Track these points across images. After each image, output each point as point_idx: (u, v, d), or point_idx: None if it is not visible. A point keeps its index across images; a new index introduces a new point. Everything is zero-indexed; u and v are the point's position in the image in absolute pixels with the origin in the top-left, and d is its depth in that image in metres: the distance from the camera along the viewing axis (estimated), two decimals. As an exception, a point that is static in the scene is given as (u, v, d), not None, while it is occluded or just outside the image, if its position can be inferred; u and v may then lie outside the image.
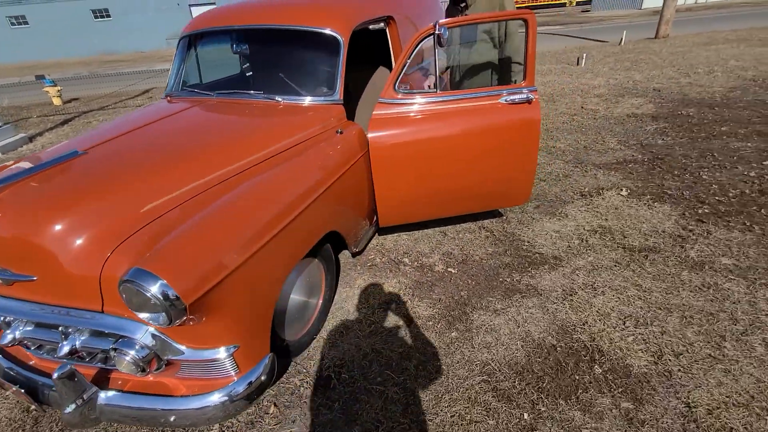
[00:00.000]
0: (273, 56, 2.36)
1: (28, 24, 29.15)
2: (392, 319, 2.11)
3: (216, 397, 1.39)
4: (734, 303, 2.01)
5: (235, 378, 1.44)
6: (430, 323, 2.06)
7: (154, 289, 1.13)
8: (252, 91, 2.27)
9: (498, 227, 2.84)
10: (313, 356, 1.92)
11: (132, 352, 1.32)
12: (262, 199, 1.54)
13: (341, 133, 2.09)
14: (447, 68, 2.85)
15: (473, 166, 2.34)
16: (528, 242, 2.65)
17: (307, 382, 1.78)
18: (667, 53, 8.73)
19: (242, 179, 1.62)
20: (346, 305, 2.23)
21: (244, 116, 2.09)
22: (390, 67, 2.79)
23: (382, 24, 2.72)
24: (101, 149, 1.70)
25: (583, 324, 1.97)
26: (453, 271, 2.45)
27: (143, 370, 1.36)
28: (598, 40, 12.99)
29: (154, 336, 1.32)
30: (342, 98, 2.22)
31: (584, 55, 8.60)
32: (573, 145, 4.19)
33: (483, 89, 2.27)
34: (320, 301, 2.08)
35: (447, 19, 2.08)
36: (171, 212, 1.44)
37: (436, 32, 2.03)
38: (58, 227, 1.31)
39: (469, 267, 2.47)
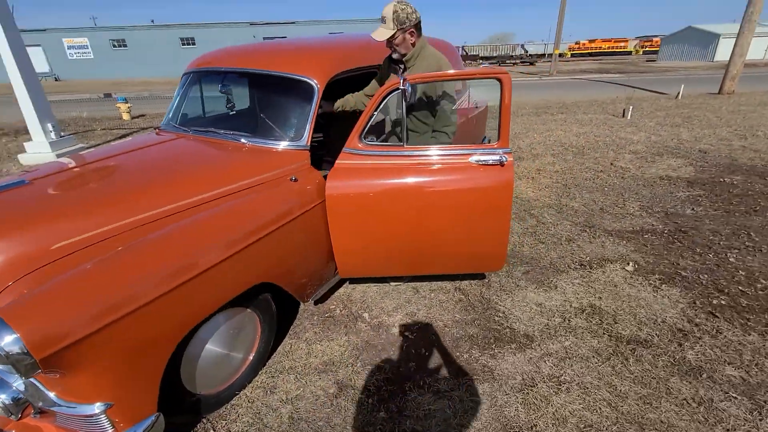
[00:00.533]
0: (251, 99, 2.40)
1: (126, 47, 33.42)
2: (324, 384, 1.94)
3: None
4: (727, 431, 1.64)
5: (113, 435, 1.35)
6: (363, 396, 1.87)
7: (5, 342, 1.08)
8: (222, 131, 2.29)
9: (475, 291, 2.61)
10: (227, 415, 1.79)
11: (2, 396, 1.28)
12: (174, 246, 1.49)
13: (295, 180, 2.03)
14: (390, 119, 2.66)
15: (439, 227, 2.18)
16: (503, 313, 2.40)
17: (209, 445, 1.66)
18: (726, 111, 8.05)
19: (166, 222, 1.59)
20: (284, 361, 2.09)
21: (201, 156, 2.10)
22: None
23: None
24: (47, 180, 1.76)
25: (531, 428, 1.68)
26: (410, 337, 2.25)
27: (15, 415, 1.31)
28: (655, 92, 12.36)
29: (25, 383, 1.28)
30: (308, 144, 2.18)
31: (631, 107, 8.15)
32: (588, 205, 3.86)
33: (454, 147, 2.13)
34: (251, 355, 1.96)
35: (413, 75, 2.00)
36: (78, 252, 1.42)
37: (401, 87, 1.95)
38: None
39: (428, 334, 2.26)
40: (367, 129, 2.13)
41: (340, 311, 2.48)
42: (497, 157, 2.07)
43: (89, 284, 1.26)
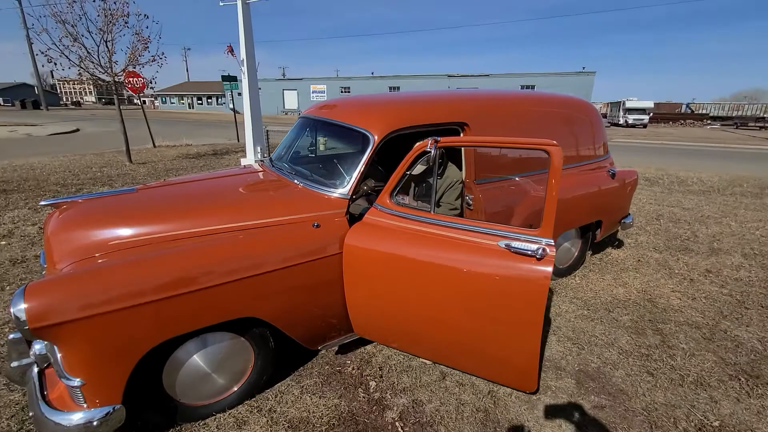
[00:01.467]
0: (321, 144, 2.59)
1: (349, 91, 41.34)
2: (285, 442, 1.84)
3: (63, 416, 1.60)
4: None
5: (83, 410, 1.61)
6: (307, 474, 1.69)
7: (16, 307, 1.45)
8: (290, 172, 2.53)
9: (510, 404, 2.05)
10: (196, 430, 1.89)
11: (37, 347, 1.71)
12: (176, 262, 1.71)
13: (318, 226, 2.07)
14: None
15: (453, 312, 1.84)
16: (529, 450, 1.80)
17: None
18: None
19: (182, 240, 1.86)
20: (270, 400, 2.09)
21: (255, 191, 2.37)
22: (459, 166, 2.58)
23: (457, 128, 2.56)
24: (147, 192, 2.30)
25: None
26: (400, 430, 1.93)
27: (40, 365, 1.73)
28: None
29: (46, 345, 1.67)
30: (350, 194, 2.20)
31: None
32: (766, 341, 2.57)
33: (485, 225, 1.79)
34: (239, 384, 2.03)
35: (444, 138, 1.79)
36: (121, 251, 1.80)
37: (428, 149, 1.78)
38: (59, 234, 1.87)
39: (420, 435, 1.89)
40: (398, 188, 2.02)
41: (352, 369, 2.33)
42: (534, 247, 1.63)
43: (93, 280, 1.57)
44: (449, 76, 36.18)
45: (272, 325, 2.00)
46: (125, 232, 1.89)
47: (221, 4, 8.04)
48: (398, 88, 38.70)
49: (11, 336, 1.85)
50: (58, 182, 6.82)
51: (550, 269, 1.58)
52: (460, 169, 2.59)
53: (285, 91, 44.76)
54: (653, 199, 6.41)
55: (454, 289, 1.79)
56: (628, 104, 33.23)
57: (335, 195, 2.20)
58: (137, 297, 1.58)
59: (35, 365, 1.81)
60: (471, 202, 2.55)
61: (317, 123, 2.78)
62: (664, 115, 46.06)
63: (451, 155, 2.65)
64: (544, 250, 1.60)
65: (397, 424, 1.96)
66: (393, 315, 2.03)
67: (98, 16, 7.91)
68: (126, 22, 8.17)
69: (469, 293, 1.77)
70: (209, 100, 54.00)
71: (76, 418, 1.59)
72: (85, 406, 1.62)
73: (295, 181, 2.39)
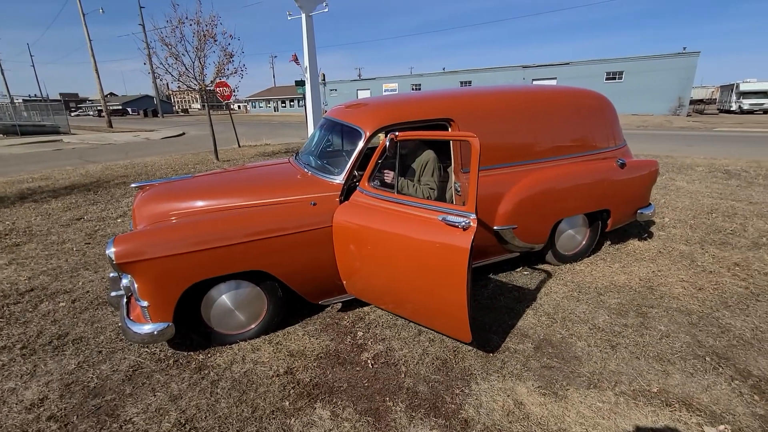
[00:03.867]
0: (329, 141, 3.15)
1: (420, 88, 41.60)
2: (280, 365, 2.44)
3: (138, 327, 2.40)
4: None
5: (149, 323, 2.39)
6: (292, 389, 2.27)
7: (108, 250, 2.24)
8: (305, 163, 3.14)
9: (459, 357, 2.42)
10: (222, 350, 2.59)
11: (125, 281, 2.54)
12: (208, 227, 2.41)
13: (314, 204, 2.64)
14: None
15: (407, 274, 2.28)
16: (466, 393, 2.17)
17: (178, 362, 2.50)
18: None
19: (220, 211, 2.56)
20: (280, 336, 2.72)
21: (273, 178, 3.03)
22: (448, 157, 2.97)
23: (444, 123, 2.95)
24: (201, 178, 3.08)
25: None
26: (369, 366, 2.42)
27: (126, 294, 2.56)
28: None
29: (128, 279, 2.48)
30: (344, 180, 2.73)
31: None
32: (758, 330, 2.53)
33: (429, 202, 2.21)
34: (257, 323, 2.69)
35: (401, 133, 2.22)
36: (177, 218, 2.57)
37: (387, 143, 2.25)
38: (140, 206, 2.71)
39: (386, 373, 2.36)
40: (373, 174, 2.50)
41: (346, 322, 2.87)
42: (461, 220, 2.01)
43: (156, 235, 2.33)
44: (524, 67, 34.53)
45: (279, 279, 2.63)
46: (180, 205, 2.66)
47: (289, 18, 9.08)
48: (470, 82, 37.92)
49: (111, 275, 2.74)
50: (163, 175, 8.41)
51: (471, 236, 1.95)
52: (448, 159, 2.97)
53: (359, 91, 46.61)
54: (719, 193, 5.89)
55: (407, 253, 2.23)
56: (743, 87, 28.62)
57: (332, 181, 2.75)
58: (182, 248, 2.30)
59: (124, 296, 2.66)
60: (459, 189, 2.91)
61: (330, 122, 3.35)
62: (797, 97, 38.61)
63: (440, 148, 3.03)
64: (468, 222, 1.97)
65: (369, 362, 2.46)
66: (366, 275, 2.52)
67: (194, 37, 9.47)
68: (215, 40, 9.64)
69: (417, 256, 2.19)
70: (291, 103, 58.48)
71: (146, 328, 2.36)
72: (150, 321, 2.40)
73: (305, 169, 2.99)
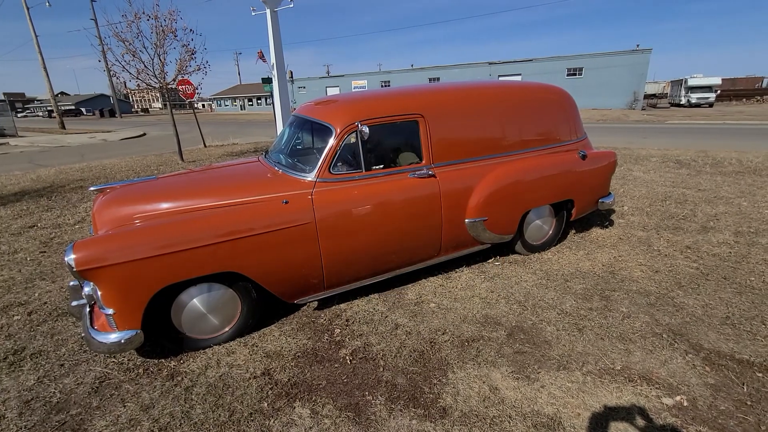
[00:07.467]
0: (300, 138, 3.12)
1: (389, 84, 41.53)
2: (256, 366, 2.41)
3: (103, 336, 2.29)
4: None
5: (115, 332, 2.29)
6: (270, 390, 2.25)
7: (68, 257, 2.13)
8: (275, 161, 3.10)
9: (436, 348, 2.47)
10: (196, 355, 2.52)
11: (87, 288, 2.41)
12: (174, 229, 2.33)
13: (287, 203, 2.61)
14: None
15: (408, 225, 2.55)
16: (443, 382, 2.22)
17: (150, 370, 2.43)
18: None
19: (188, 213, 2.48)
20: (256, 338, 2.68)
21: (242, 177, 2.98)
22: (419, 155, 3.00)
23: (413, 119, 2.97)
24: (166, 178, 2.97)
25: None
26: (348, 362, 2.43)
27: (89, 303, 2.44)
28: None
29: (91, 286, 2.36)
30: (317, 177, 2.71)
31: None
32: (708, 307, 2.73)
33: (398, 167, 2.45)
34: (231, 326, 2.64)
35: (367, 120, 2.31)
36: (140, 221, 2.46)
37: (359, 129, 2.29)
38: (100, 210, 2.58)
39: (365, 371, 2.38)
40: (335, 162, 2.59)
41: (323, 320, 2.86)
42: (424, 171, 2.22)
43: (118, 239, 2.23)
44: (490, 64, 35.32)
45: (253, 280, 2.58)
46: (144, 207, 2.55)
47: (253, 14, 8.87)
48: (438, 79, 38.39)
49: (71, 283, 2.60)
50: (124, 178, 8.03)
51: (437, 178, 2.24)
52: (419, 156, 3.00)
53: (328, 88, 46.16)
54: (672, 181, 6.28)
55: (405, 211, 2.53)
56: (691, 82, 30.54)
57: (304, 179, 2.73)
58: (148, 251, 2.22)
59: (86, 305, 2.53)
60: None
61: (300, 120, 3.31)
62: (739, 91, 41.51)
63: (412, 145, 3.05)
64: (430, 171, 2.22)
65: (347, 358, 2.46)
66: (366, 249, 2.79)
67: (152, 33, 9.06)
68: (175, 35, 9.26)
69: (407, 206, 2.52)
70: (258, 101, 57.13)
71: (112, 337, 2.26)
72: (116, 329, 2.30)
73: (276, 168, 2.95)
